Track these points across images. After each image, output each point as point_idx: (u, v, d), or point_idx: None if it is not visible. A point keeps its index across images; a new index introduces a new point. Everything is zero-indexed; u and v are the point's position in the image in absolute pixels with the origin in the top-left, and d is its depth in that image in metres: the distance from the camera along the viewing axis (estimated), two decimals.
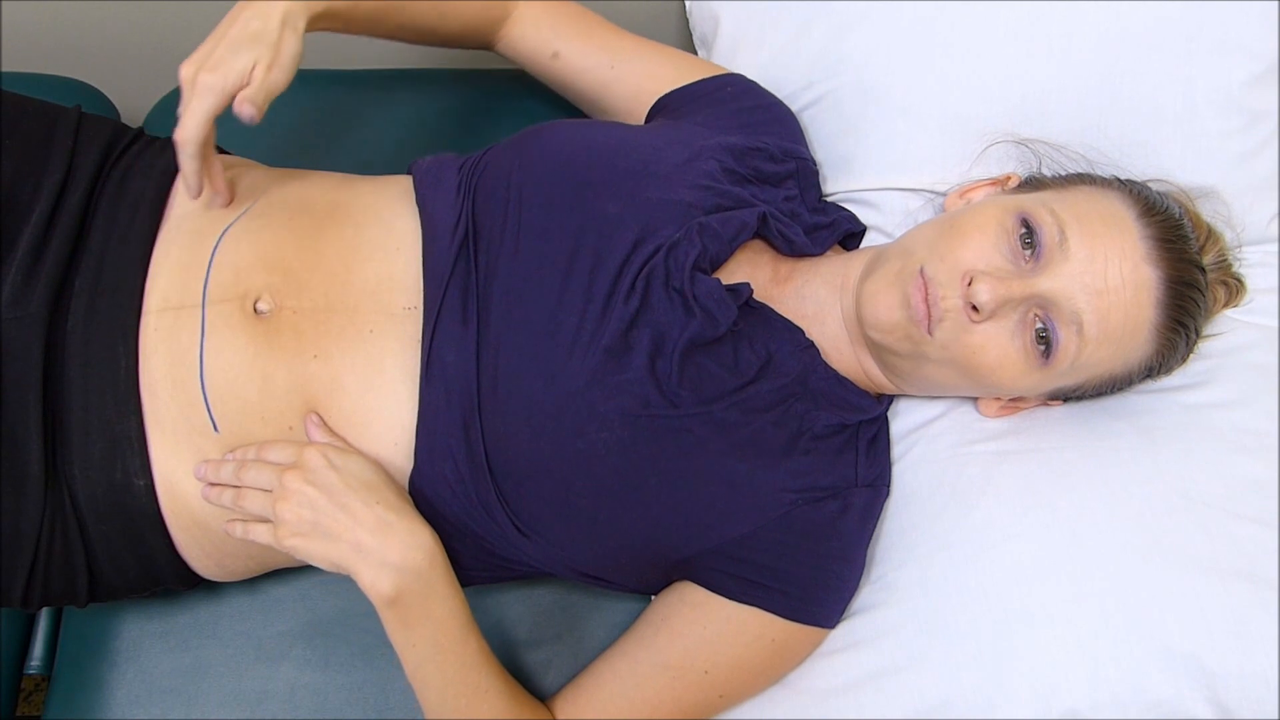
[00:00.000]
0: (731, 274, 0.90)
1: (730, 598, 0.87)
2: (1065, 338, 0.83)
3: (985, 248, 0.84)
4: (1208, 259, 0.91)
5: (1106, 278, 0.82)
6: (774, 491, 0.86)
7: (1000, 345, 0.83)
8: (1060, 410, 0.95)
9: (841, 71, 1.04)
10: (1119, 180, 0.91)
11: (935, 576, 0.89)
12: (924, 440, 0.96)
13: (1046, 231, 0.83)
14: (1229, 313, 0.97)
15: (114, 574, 0.88)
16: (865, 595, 0.92)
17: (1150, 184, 0.93)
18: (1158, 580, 0.84)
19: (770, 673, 0.91)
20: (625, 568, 0.89)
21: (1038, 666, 0.84)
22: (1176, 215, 0.87)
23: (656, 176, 0.90)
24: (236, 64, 0.81)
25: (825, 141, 1.05)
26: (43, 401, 0.83)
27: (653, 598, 0.94)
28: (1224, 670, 0.82)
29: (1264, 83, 0.98)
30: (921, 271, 0.84)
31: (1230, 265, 0.95)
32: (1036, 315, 0.83)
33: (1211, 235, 0.93)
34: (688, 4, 1.21)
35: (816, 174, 1.02)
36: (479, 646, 0.87)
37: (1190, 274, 0.86)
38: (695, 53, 1.23)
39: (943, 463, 0.93)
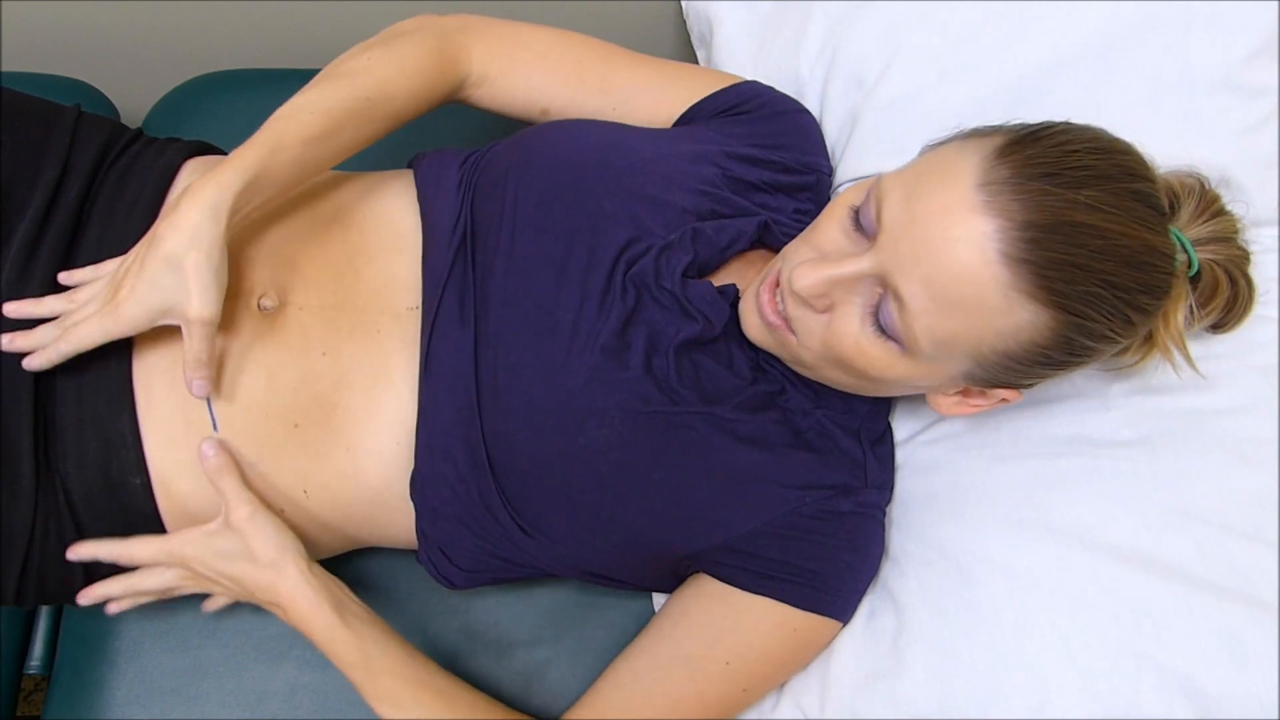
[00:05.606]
0: (726, 281, 0.90)
1: (744, 589, 0.86)
2: (895, 314, 0.75)
3: (831, 233, 0.80)
4: (1184, 225, 0.84)
5: (926, 241, 0.72)
6: (777, 488, 0.86)
7: (851, 332, 0.78)
8: (1059, 415, 0.92)
9: (841, 71, 1.04)
10: (1004, 127, 0.78)
11: (928, 586, 0.88)
12: (918, 449, 0.95)
13: (870, 207, 0.77)
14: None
15: (111, 572, 0.88)
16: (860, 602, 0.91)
17: (1153, 160, 0.82)
18: (1152, 597, 0.83)
19: (792, 664, 0.90)
20: (630, 565, 0.89)
21: (1030, 679, 0.82)
22: (1055, 150, 0.73)
23: (654, 176, 0.89)
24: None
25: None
26: (34, 399, 0.83)
27: (657, 596, 0.93)
28: (1219, 691, 0.80)
29: (1263, 58, 0.96)
30: (779, 270, 0.82)
31: (1236, 240, 0.88)
32: (878, 294, 0.77)
33: (1205, 198, 0.86)
34: (684, 4, 1.21)
35: (831, 185, 1.00)
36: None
37: (1064, 214, 0.71)
38: (694, 51, 1.23)
39: (937, 472, 0.93)
